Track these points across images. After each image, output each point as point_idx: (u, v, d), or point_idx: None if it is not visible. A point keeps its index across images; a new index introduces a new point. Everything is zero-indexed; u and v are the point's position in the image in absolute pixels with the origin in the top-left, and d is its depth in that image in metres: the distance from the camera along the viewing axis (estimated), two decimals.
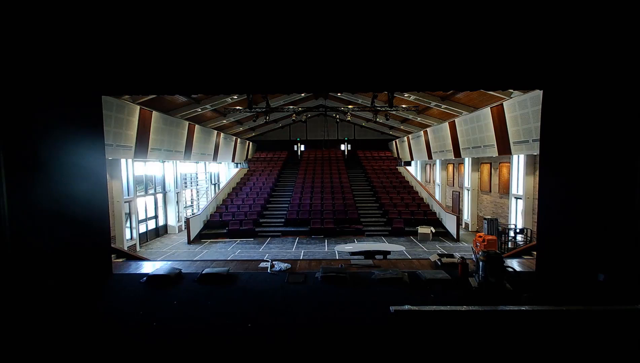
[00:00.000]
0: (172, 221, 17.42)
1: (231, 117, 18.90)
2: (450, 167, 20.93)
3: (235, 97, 15.07)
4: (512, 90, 10.70)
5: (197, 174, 21.34)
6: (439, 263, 6.87)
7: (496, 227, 13.28)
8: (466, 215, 17.84)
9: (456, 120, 15.48)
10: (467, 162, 17.31)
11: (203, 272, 6.06)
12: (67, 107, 5.34)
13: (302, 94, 18.64)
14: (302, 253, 12.80)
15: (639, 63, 4.58)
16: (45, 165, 5.13)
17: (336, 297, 5.23)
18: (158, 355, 3.71)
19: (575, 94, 5.25)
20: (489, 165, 15.83)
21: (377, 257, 9.28)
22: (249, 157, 27.42)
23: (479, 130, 13.67)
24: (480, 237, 11.79)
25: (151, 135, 12.91)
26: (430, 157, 20.40)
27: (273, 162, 26.38)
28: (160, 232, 16.74)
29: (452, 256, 7.19)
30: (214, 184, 24.34)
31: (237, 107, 16.73)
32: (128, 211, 13.43)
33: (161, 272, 6.00)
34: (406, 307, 4.16)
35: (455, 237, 15.13)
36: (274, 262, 7.00)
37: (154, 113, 12.78)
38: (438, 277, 5.75)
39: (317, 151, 27.89)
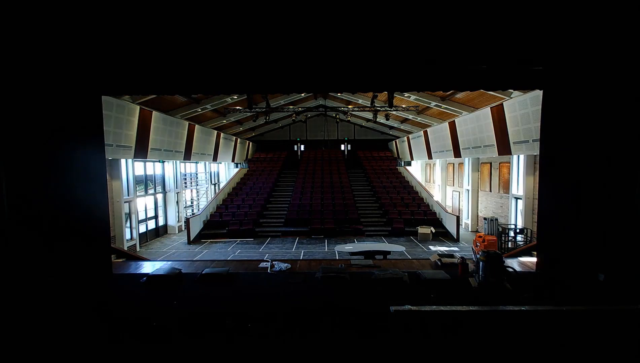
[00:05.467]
0: (172, 221, 17.42)
1: (231, 117, 18.90)
2: (450, 167, 20.93)
3: (235, 97, 15.07)
4: (512, 90, 10.70)
5: (197, 174, 21.34)
6: (439, 263, 6.87)
7: (496, 227, 13.28)
8: (466, 215, 17.83)
9: (456, 120, 15.48)
10: (467, 162, 17.31)
11: (203, 272, 6.06)
12: (67, 107, 5.33)
13: (302, 94, 18.64)
14: (302, 254, 12.80)
15: (639, 63, 4.58)
16: (45, 166, 5.13)
17: (336, 297, 5.23)
18: (158, 355, 3.71)
19: (575, 94, 5.25)
20: (489, 165, 15.83)
21: (377, 257, 9.28)
22: (249, 157, 27.42)
23: (479, 130, 13.67)
24: (480, 237, 11.80)
25: (151, 135, 12.92)
26: (430, 157, 20.40)
27: (273, 162, 26.38)
28: (160, 232, 16.74)
29: (452, 256, 7.19)
30: (214, 184, 24.35)
31: (237, 107, 16.73)
32: (128, 211, 13.43)
33: (161, 272, 6.00)
34: (406, 307, 4.15)
35: (455, 237, 15.13)
36: (274, 262, 7.00)
37: (154, 113, 12.78)
38: (438, 277, 5.75)
39: (317, 151, 27.88)
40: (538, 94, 9.08)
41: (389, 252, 9.98)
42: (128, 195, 13.57)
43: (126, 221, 13.14)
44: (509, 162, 13.99)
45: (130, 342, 3.92)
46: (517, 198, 13.59)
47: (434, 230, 15.51)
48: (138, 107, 11.68)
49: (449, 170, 21.19)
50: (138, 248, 13.67)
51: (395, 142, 26.65)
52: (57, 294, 5.01)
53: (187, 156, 16.51)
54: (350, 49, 4.82)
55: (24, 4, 4.03)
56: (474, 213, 17.21)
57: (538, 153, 8.89)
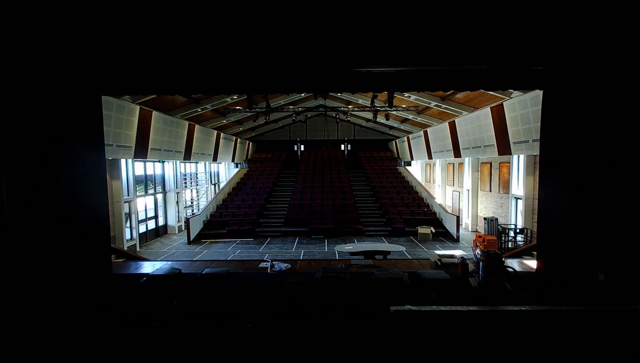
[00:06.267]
0: (172, 221, 17.42)
1: (231, 117, 18.91)
2: (450, 167, 20.93)
3: (235, 97, 15.07)
4: (512, 90, 10.71)
5: (197, 174, 21.35)
6: (439, 263, 6.87)
7: (496, 227, 13.28)
8: (466, 215, 17.84)
9: (456, 120, 15.48)
10: (467, 162, 17.31)
11: (203, 272, 6.06)
12: (67, 107, 5.33)
13: (302, 94, 18.64)
14: (302, 254, 12.80)
15: (639, 63, 4.57)
16: (45, 166, 5.13)
17: (336, 297, 5.23)
18: (158, 355, 3.71)
19: (575, 94, 5.25)
20: (489, 165, 15.83)
21: (377, 257, 9.28)
22: (249, 157, 27.42)
23: (479, 130, 13.67)
24: (480, 237, 11.80)
25: (151, 135, 12.92)
26: (430, 157, 20.41)
27: (273, 162, 26.38)
28: (160, 232, 16.74)
29: (452, 256, 7.20)
30: (214, 184, 24.35)
31: (237, 107, 16.73)
32: (128, 211, 13.43)
33: (161, 272, 6.00)
34: (406, 307, 4.15)
35: (455, 237, 15.13)
36: (274, 262, 7.00)
37: (154, 113, 12.78)
38: (438, 277, 5.75)
39: (317, 151, 27.88)
40: (538, 94, 9.08)
41: (389, 252, 9.97)
42: (128, 195, 13.57)
43: (126, 221, 13.14)
44: (509, 162, 13.99)
45: (130, 342, 3.92)
46: (517, 199, 13.59)
47: (434, 230, 15.51)
48: (138, 107, 11.68)
49: (449, 170, 21.19)
50: (138, 248, 13.67)
51: (395, 142, 26.66)
52: (57, 294, 5.01)
53: (187, 156, 16.51)
54: (350, 49, 4.82)
55: (24, 4, 4.03)
56: (474, 213, 17.21)
57: (538, 153, 8.89)
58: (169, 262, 7.62)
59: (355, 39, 4.65)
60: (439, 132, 17.84)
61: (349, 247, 11.50)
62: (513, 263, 6.71)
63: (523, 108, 10.52)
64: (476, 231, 16.46)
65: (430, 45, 4.78)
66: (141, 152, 12.55)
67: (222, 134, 20.46)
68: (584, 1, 4.11)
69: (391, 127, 25.11)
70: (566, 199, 5.54)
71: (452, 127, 16.14)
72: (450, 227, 15.59)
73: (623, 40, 4.46)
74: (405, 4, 4.13)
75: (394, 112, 17.51)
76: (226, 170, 26.07)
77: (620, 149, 4.98)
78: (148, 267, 7.11)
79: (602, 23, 4.29)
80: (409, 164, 25.63)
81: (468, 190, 17.57)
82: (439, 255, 7.38)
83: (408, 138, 23.33)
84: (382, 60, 5.08)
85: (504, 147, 12.28)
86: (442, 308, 4.04)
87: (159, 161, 16.40)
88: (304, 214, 17.26)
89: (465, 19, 4.31)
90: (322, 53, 4.93)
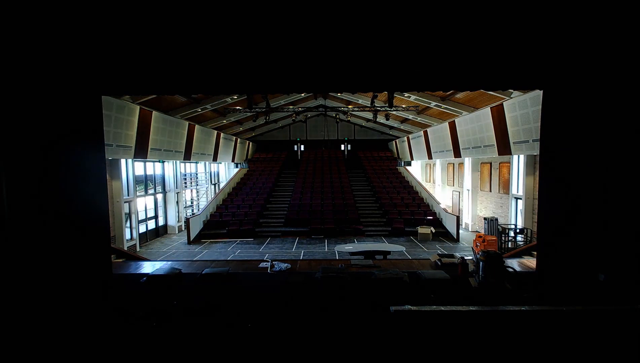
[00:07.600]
0: (172, 221, 17.42)
1: (231, 117, 18.91)
2: (450, 167, 20.93)
3: (235, 97, 15.07)
4: (512, 90, 10.71)
5: (197, 174, 21.35)
6: (439, 263, 6.87)
7: (496, 227, 13.28)
8: (466, 215, 17.84)
9: (456, 120, 15.48)
10: (467, 162, 17.31)
11: (203, 272, 6.06)
12: (67, 107, 5.33)
13: (302, 94, 18.64)
14: (302, 254, 12.80)
15: (639, 63, 4.58)
16: (45, 165, 5.13)
17: (336, 297, 5.23)
18: (158, 355, 3.71)
19: (575, 94, 5.25)
20: (489, 165, 15.83)
21: (377, 257, 9.28)
22: (249, 157, 27.42)
23: (479, 130, 13.67)
24: (480, 237, 11.80)
25: (151, 135, 12.92)
26: (430, 157, 20.41)
27: (273, 162, 26.38)
28: (160, 232, 16.74)
29: (452, 256, 7.20)
30: (214, 184, 24.35)
31: (237, 107, 16.74)
32: (128, 211, 13.43)
33: (161, 272, 6.00)
34: (406, 307, 4.15)
35: (455, 237, 15.13)
36: (274, 262, 7.00)
37: (154, 113, 12.78)
38: (438, 277, 5.76)
39: (317, 151, 27.89)
40: (538, 94, 9.09)
41: (389, 252, 9.97)
42: (128, 195, 13.57)
43: (126, 221, 13.14)
44: (509, 162, 13.99)
45: (130, 342, 3.92)
46: (517, 199, 13.59)
47: (434, 230, 15.51)
48: (138, 107, 11.68)
49: (449, 170, 21.19)
50: (138, 249, 13.67)
51: (395, 142, 26.66)
52: (57, 295, 5.01)
53: (187, 156, 16.51)
54: (350, 49, 4.82)
55: (24, 4, 4.03)
56: (474, 213, 17.21)
57: (538, 153, 8.89)
58: (169, 262, 7.63)
59: (355, 37, 4.65)
60: (439, 132, 17.83)
61: (349, 247, 11.50)
62: (513, 263, 6.71)
63: (523, 108, 10.53)
64: (476, 231, 16.46)
65: (430, 45, 4.78)
66: (141, 152, 12.55)
67: (222, 134, 20.45)
68: (584, 2, 4.11)
69: (391, 127, 25.11)
70: (566, 199, 5.54)
71: (452, 127, 16.14)
72: (450, 227, 15.59)
73: (623, 41, 4.46)
74: (405, 4, 4.14)
75: (394, 112, 17.51)
76: (226, 170, 26.07)
77: (621, 148, 4.98)
78: (148, 267, 7.11)
79: (602, 23, 4.29)
80: (409, 164, 25.62)
81: (468, 190, 17.57)
82: (439, 255, 7.38)
83: (408, 138, 23.33)
84: (382, 58, 5.08)
85: (504, 147, 12.28)
86: (442, 308, 4.04)
87: (159, 161, 16.40)
88: (304, 214, 17.26)
89: (466, 19, 4.31)
90: (323, 52, 4.93)
